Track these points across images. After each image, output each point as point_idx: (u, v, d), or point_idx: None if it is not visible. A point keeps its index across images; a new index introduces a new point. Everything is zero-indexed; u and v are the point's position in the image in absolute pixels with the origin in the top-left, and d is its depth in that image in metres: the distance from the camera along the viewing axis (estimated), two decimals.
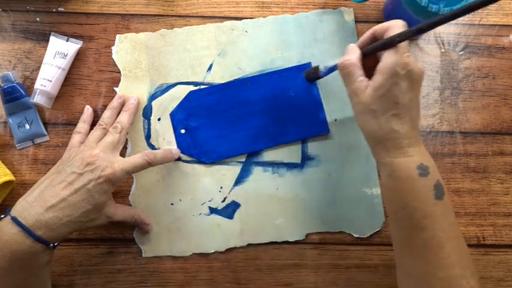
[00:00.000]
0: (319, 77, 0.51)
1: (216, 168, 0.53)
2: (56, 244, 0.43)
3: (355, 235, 0.53)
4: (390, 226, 0.42)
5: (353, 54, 0.41)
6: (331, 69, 0.47)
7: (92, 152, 0.45)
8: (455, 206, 0.54)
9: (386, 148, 0.40)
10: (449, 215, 0.39)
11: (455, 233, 0.39)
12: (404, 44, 0.39)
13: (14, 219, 0.41)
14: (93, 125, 0.51)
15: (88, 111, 0.52)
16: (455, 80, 0.55)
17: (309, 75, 0.53)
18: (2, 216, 0.42)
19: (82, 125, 0.51)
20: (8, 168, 0.51)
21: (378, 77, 0.39)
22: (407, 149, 0.39)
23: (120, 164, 0.45)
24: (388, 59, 0.39)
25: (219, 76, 0.54)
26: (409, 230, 0.39)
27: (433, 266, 0.38)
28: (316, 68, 0.50)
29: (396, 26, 0.40)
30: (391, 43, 0.39)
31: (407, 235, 0.40)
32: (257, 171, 0.53)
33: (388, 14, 0.53)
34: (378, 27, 0.41)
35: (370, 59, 0.42)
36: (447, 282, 0.37)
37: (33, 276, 0.43)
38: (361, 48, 0.42)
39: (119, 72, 0.53)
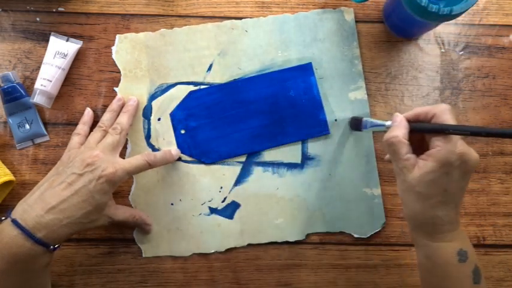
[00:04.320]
0: (359, 130, 0.49)
1: (216, 168, 0.53)
2: (56, 246, 0.43)
3: (355, 235, 0.53)
4: None
5: (400, 130, 0.39)
6: (375, 126, 0.46)
7: (92, 153, 0.45)
8: None
9: (427, 231, 0.39)
10: None
11: None
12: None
13: (14, 222, 0.41)
14: (92, 127, 0.51)
15: (88, 113, 0.52)
16: (455, 80, 0.55)
17: (351, 123, 0.51)
18: (3, 218, 0.42)
19: (82, 127, 0.50)
20: (8, 168, 0.51)
21: (430, 164, 0.37)
22: (447, 234, 0.38)
23: (120, 164, 0.45)
24: (442, 146, 0.37)
25: (219, 76, 0.54)
26: None
27: None
28: (360, 119, 0.48)
29: (443, 112, 0.38)
30: (444, 131, 0.37)
31: None
32: (257, 171, 0.53)
33: (388, 14, 0.53)
34: (422, 112, 0.39)
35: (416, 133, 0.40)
36: None
37: (32, 279, 0.43)
38: (409, 120, 0.40)
39: (119, 72, 0.53)
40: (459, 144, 0.37)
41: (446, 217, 0.38)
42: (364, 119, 0.48)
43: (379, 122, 0.45)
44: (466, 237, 0.41)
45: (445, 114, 0.38)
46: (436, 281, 0.39)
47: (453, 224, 0.39)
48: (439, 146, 0.37)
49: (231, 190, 0.53)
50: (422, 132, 0.40)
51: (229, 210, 0.53)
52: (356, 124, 0.49)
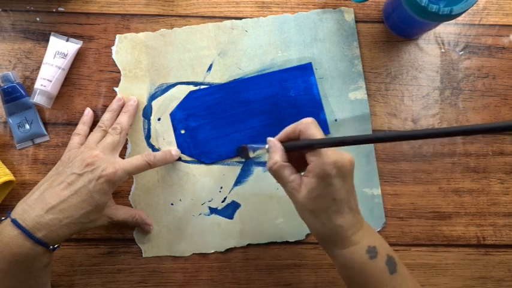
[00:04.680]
0: (248, 157, 0.47)
1: (216, 168, 0.53)
2: (56, 246, 0.43)
3: None
4: None
5: (278, 154, 0.40)
6: (257, 150, 0.45)
7: (92, 153, 0.45)
8: (455, 206, 0.54)
9: (334, 242, 0.40)
10: (408, 282, 0.40)
11: None
12: None
13: (14, 221, 0.41)
14: (92, 127, 0.51)
15: (88, 113, 0.52)
16: (455, 80, 0.55)
17: (240, 153, 0.48)
18: (3, 218, 0.42)
19: (82, 127, 0.51)
20: (8, 168, 0.51)
21: (311, 180, 0.38)
22: (353, 238, 0.39)
23: (120, 164, 0.45)
24: (315, 161, 0.38)
25: (219, 76, 0.54)
26: None
27: None
28: (245, 147, 0.46)
29: (308, 127, 0.39)
30: (311, 147, 0.38)
31: None
32: (257, 171, 0.53)
33: (388, 14, 0.53)
34: (290, 131, 0.41)
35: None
36: None
37: (32, 279, 0.43)
38: (282, 141, 0.41)
39: (119, 72, 0.53)
40: (330, 154, 0.37)
41: (345, 223, 0.39)
42: (248, 145, 0.45)
43: (259, 146, 0.44)
44: (371, 231, 0.41)
45: (310, 129, 0.39)
46: (357, 283, 0.40)
47: (355, 226, 0.39)
48: (313, 161, 0.38)
49: (231, 190, 0.53)
50: (295, 150, 0.40)
51: (229, 210, 0.53)
52: (243, 152, 0.46)
